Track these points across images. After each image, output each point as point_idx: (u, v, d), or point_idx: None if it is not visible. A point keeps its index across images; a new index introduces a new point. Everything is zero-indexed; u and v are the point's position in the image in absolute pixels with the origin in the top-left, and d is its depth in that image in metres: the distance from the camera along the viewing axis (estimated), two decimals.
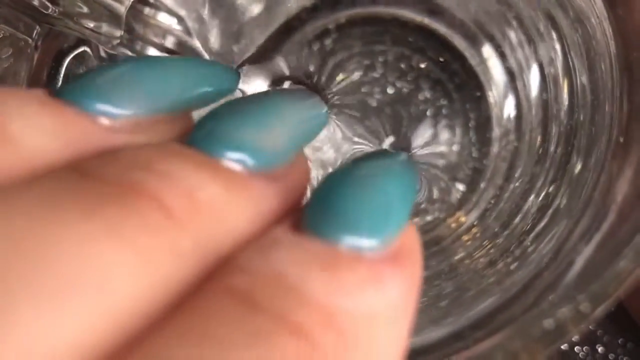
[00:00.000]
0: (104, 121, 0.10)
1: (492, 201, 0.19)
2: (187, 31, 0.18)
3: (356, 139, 0.19)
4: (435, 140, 0.19)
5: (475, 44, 0.19)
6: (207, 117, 0.10)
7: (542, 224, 0.17)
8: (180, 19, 0.18)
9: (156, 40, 0.18)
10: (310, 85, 0.19)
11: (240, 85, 0.19)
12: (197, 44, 0.18)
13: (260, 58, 0.19)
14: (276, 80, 0.19)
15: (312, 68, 0.19)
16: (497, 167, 0.19)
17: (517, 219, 0.18)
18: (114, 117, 0.10)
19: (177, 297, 0.08)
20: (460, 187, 0.20)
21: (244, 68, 0.19)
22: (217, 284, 0.08)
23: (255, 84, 0.19)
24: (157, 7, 0.18)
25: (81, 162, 0.09)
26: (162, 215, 0.08)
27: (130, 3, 0.17)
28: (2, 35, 0.16)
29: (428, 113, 0.19)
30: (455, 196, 0.20)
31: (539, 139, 0.19)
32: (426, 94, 0.19)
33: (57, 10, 0.16)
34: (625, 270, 0.13)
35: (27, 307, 0.07)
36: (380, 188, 0.10)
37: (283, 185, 0.10)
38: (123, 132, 0.10)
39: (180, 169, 0.09)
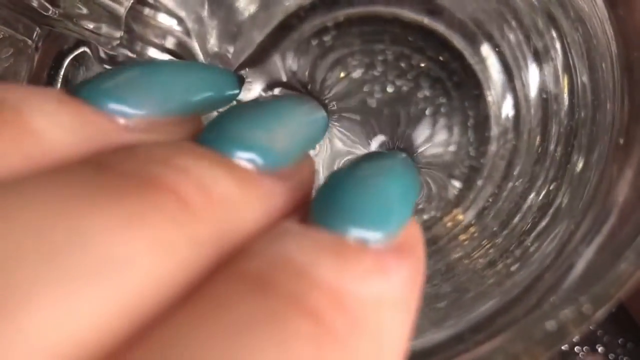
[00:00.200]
0: (120, 120, 0.10)
1: (490, 199, 0.19)
2: (187, 32, 0.18)
3: (354, 141, 0.19)
4: (433, 138, 0.19)
5: (474, 43, 0.19)
6: (218, 119, 0.11)
7: (543, 223, 0.17)
8: (180, 20, 0.18)
9: (156, 40, 0.18)
10: (304, 93, 0.19)
11: None
12: (196, 44, 0.18)
13: (259, 58, 0.19)
14: (270, 86, 0.19)
15: (308, 71, 0.19)
16: (495, 165, 0.19)
17: (517, 219, 0.18)
18: (128, 116, 0.10)
19: (195, 283, 0.08)
20: (457, 184, 0.20)
21: (242, 72, 0.19)
22: (231, 270, 0.08)
23: (250, 89, 0.19)
24: (157, 8, 0.18)
25: (100, 156, 0.09)
26: (179, 206, 0.08)
27: (129, 4, 0.17)
28: (2, 35, 0.16)
29: (427, 112, 0.19)
30: (452, 193, 0.20)
31: (538, 138, 0.19)
32: (425, 92, 0.19)
33: (56, 11, 0.16)
34: (627, 272, 0.13)
35: (54, 288, 0.07)
36: (383, 185, 0.10)
37: (291, 184, 0.11)
38: (137, 131, 0.10)
39: (195, 165, 0.09)
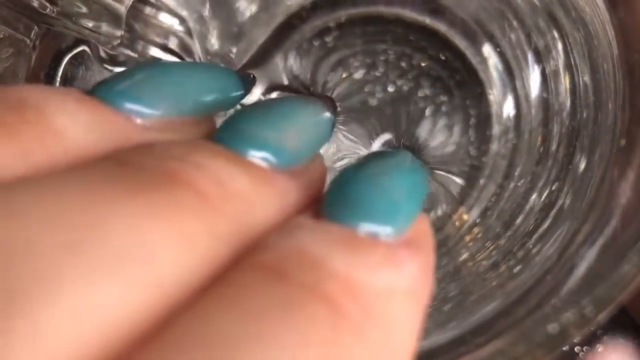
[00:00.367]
0: (136, 120, 0.10)
1: (493, 199, 0.19)
2: (189, 32, 0.18)
3: (356, 141, 0.19)
4: (436, 137, 0.19)
5: (476, 43, 0.19)
6: (231, 119, 0.11)
7: (545, 224, 0.17)
8: (182, 20, 0.18)
9: (158, 40, 0.18)
10: (307, 94, 0.19)
11: None
12: (197, 44, 0.18)
13: (261, 58, 0.19)
14: (272, 87, 0.19)
15: (310, 72, 0.19)
16: (497, 164, 0.19)
17: (520, 219, 0.18)
18: (144, 116, 0.10)
19: (214, 276, 0.09)
20: (459, 181, 0.20)
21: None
22: (248, 262, 0.09)
23: (253, 90, 0.19)
24: (158, 7, 0.18)
25: (120, 152, 0.09)
26: (198, 200, 0.09)
27: (130, 3, 0.17)
28: (1, 35, 0.16)
29: (429, 110, 0.19)
30: (455, 190, 0.20)
31: (539, 138, 0.19)
32: (427, 91, 0.19)
33: (55, 10, 0.16)
34: (629, 274, 0.13)
35: (77, 278, 0.07)
36: (392, 181, 0.11)
37: (302, 182, 0.11)
38: (153, 130, 0.11)
39: (212, 162, 0.09)
